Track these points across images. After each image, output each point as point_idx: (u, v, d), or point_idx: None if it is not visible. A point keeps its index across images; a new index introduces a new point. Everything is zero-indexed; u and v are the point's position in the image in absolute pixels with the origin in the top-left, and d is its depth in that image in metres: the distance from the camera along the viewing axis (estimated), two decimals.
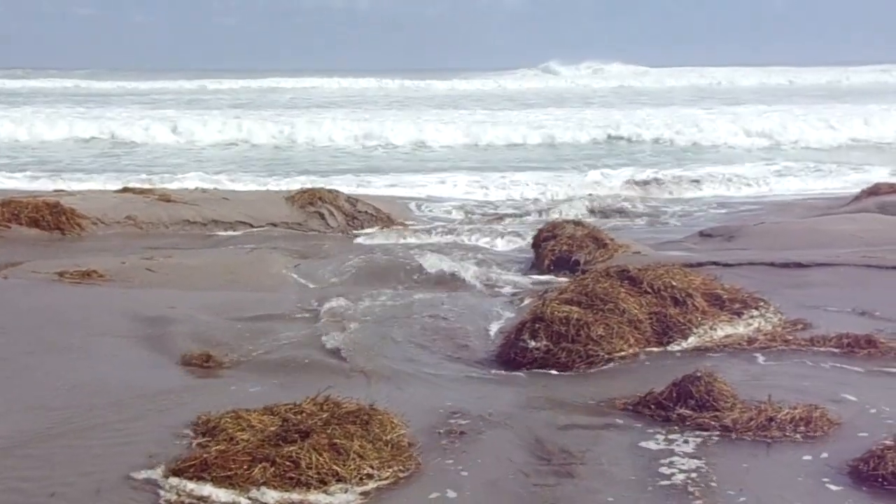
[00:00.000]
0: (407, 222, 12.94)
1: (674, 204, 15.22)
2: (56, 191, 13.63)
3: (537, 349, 6.25)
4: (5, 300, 7.82)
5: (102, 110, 34.35)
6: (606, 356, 6.21)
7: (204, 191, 13.88)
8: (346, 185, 15.68)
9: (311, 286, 9.01)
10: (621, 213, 14.19)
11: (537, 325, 6.36)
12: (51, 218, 11.36)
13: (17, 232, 11.19)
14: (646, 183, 16.86)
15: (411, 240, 11.67)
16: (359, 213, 12.82)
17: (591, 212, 14.07)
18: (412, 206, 14.69)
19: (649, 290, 6.77)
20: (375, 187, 16.68)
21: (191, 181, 16.38)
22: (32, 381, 5.73)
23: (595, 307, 6.51)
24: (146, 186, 14.18)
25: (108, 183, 16.09)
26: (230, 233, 12.01)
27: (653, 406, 5.31)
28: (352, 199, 13.17)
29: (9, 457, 4.53)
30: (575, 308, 6.44)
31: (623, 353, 6.29)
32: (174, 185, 15.41)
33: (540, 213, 13.98)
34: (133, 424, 4.99)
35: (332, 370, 6.15)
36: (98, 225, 11.64)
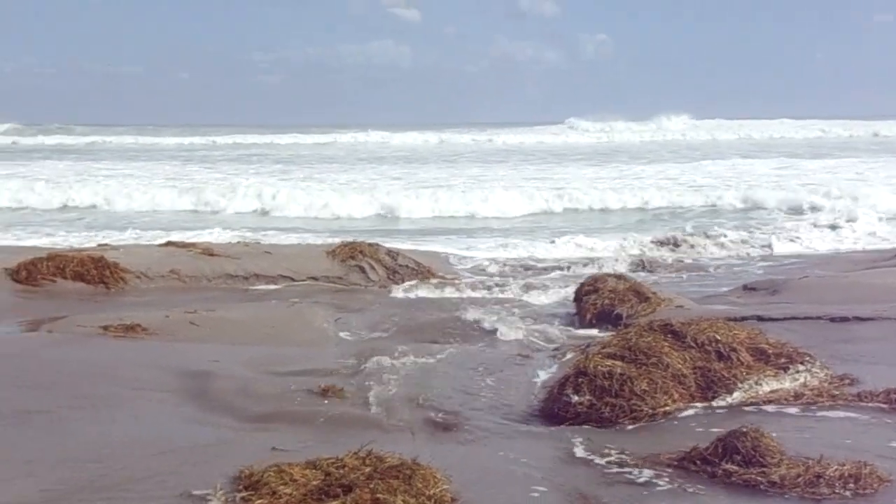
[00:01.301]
0: (447, 276, 12.95)
1: (716, 258, 15.14)
2: (100, 245, 13.80)
3: (580, 404, 6.20)
4: (50, 354, 7.89)
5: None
6: (650, 411, 6.15)
7: (246, 244, 14.01)
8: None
9: (352, 340, 9.03)
10: (663, 266, 14.12)
11: (580, 380, 6.32)
12: (95, 272, 11.49)
13: (62, 286, 11.33)
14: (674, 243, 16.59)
15: (452, 293, 11.68)
16: (399, 267, 12.86)
17: (633, 265, 14.01)
18: (452, 259, 14.72)
19: (693, 344, 6.71)
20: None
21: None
22: (76, 434, 5.75)
23: (638, 361, 6.46)
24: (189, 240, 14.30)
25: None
26: (271, 286, 12.08)
27: (698, 462, 5.23)
28: (392, 253, 13.22)
29: None
30: (618, 362, 6.39)
31: (667, 408, 6.22)
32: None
33: (581, 265, 13.95)
34: (176, 478, 4.98)
35: (373, 424, 6.14)
36: (141, 279, 11.76)
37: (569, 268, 13.95)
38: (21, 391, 6.62)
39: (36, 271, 11.43)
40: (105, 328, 8.71)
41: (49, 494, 4.70)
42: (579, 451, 5.65)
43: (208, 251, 12.84)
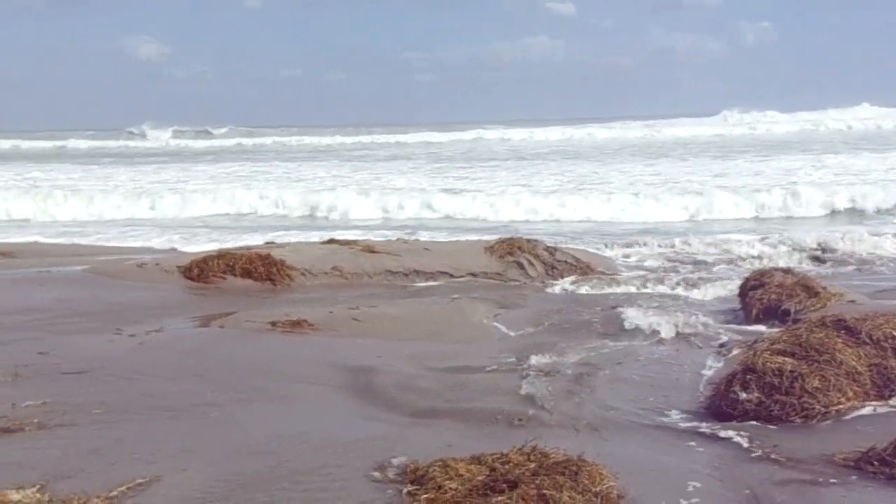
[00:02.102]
0: (606, 271, 12.81)
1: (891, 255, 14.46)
2: (267, 243, 14.20)
3: (749, 401, 6.04)
4: (221, 348, 8.18)
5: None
6: (823, 409, 5.93)
7: (405, 241, 14.18)
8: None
9: (512, 336, 9.02)
10: (833, 261, 13.59)
11: (748, 377, 6.15)
12: (262, 269, 11.83)
13: (232, 283, 11.71)
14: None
15: (612, 289, 11.55)
16: (558, 263, 12.78)
17: (801, 260, 13.56)
18: (611, 255, 14.54)
19: (868, 340, 6.45)
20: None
21: None
22: (249, 426, 5.94)
23: (810, 358, 6.24)
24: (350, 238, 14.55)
25: None
26: (431, 283, 12.18)
27: (876, 462, 5.03)
28: (550, 249, 13.16)
29: (229, 498, 4.71)
30: (788, 359, 6.19)
31: (840, 407, 5.99)
32: None
33: (745, 260, 13.59)
34: (343, 471, 5.09)
35: (536, 420, 6.13)
36: (306, 275, 12.04)
37: (732, 263, 13.61)
38: (196, 384, 6.89)
39: (207, 269, 11.85)
40: (273, 324, 8.97)
41: (225, 484, 4.87)
42: (748, 449, 5.51)
43: (369, 248, 13.05)
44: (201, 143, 66.88)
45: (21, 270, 12.63)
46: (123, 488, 4.77)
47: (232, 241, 16.21)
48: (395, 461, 5.19)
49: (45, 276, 12.08)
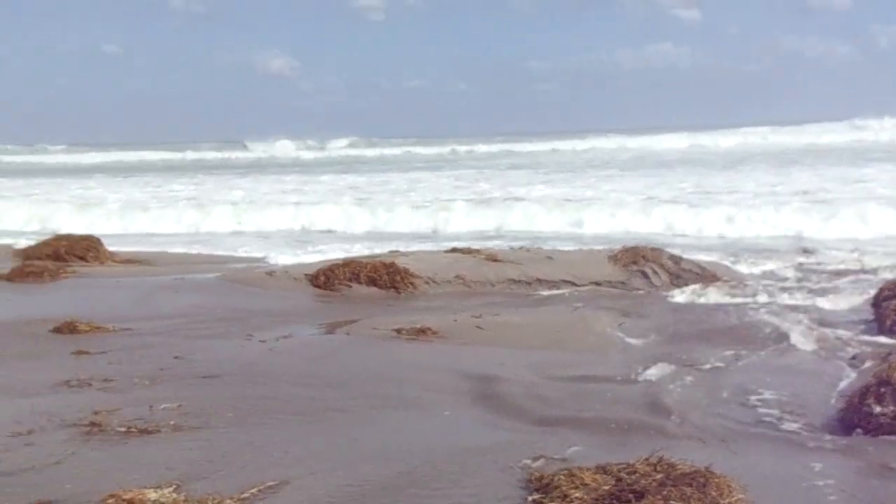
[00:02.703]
0: (732, 281, 12.57)
1: None
2: (391, 251, 14.38)
3: (883, 415, 5.86)
4: (348, 355, 8.32)
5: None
6: None
7: (528, 250, 14.18)
8: None
9: (636, 345, 8.94)
10: None
11: (883, 390, 5.97)
12: (387, 277, 11.99)
13: (357, 290, 11.91)
14: None
15: (738, 298, 11.32)
16: (683, 271, 12.61)
17: None
18: (737, 265, 14.26)
19: None
20: None
21: None
22: (377, 432, 6.03)
23: None
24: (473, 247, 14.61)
25: None
26: (554, 291, 12.16)
27: None
28: (675, 258, 12.99)
29: (357, 503, 4.80)
30: None
31: None
32: None
33: (877, 271, 13.16)
34: (471, 479, 5.12)
35: (661, 431, 6.06)
36: (430, 284, 12.15)
37: (864, 273, 13.20)
38: (324, 390, 7.03)
39: (333, 277, 12.08)
40: (398, 331, 9.09)
41: (353, 489, 4.95)
42: (882, 465, 5.35)
43: (492, 257, 13.10)
44: (325, 154, 68.10)
45: (158, 278, 13.11)
46: (255, 490, 4.90)
47: (339, 252, 16.39)
48: (518, 470, 5.20)
49: (180, 283, 12.50)
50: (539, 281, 12.41)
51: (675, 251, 13.55)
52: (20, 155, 72.46)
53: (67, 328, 9.06)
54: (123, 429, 5.91)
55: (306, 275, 12.41)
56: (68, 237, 15.57)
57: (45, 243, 15.33)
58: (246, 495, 4.82)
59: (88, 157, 67.95)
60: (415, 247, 16.43)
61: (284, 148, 72.94)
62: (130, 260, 15.44)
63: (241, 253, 17.34)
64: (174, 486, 4.88)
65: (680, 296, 11.67)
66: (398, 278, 12.00)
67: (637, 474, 4.72)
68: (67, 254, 14.78)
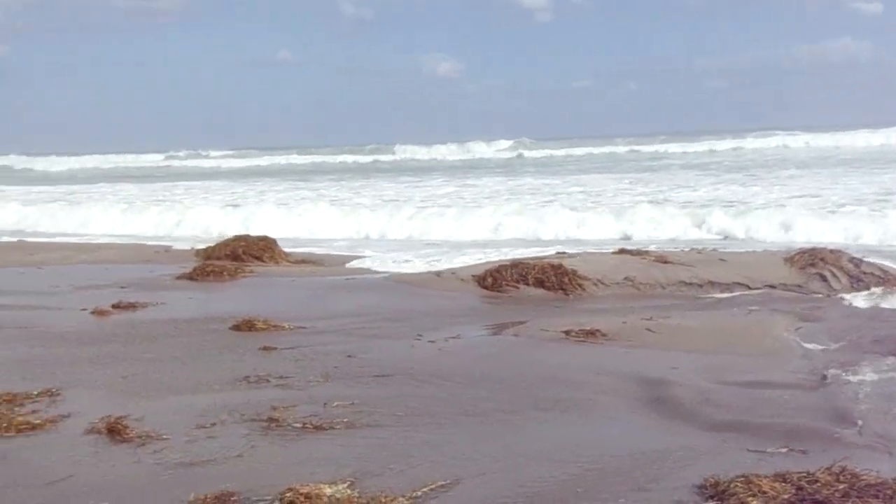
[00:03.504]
0: None
1: None
2: (558, 253, 14.31)
3: None
4: (516, 356, 8.32)
5: None
6: None
7: (699, 252, 13.87)
8: None
9: (815, 351, 8.61)
10: None
11: None
12: (555, 279, 11.94)
13: (525, 292, 11.90)
14: None
15: None
16: (864, 275, 12.08)
17: None
18: None
19: None
20: None
21: None
22: (547, 433, 6.02)
23: None
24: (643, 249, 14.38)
25: None
26: (726, 294, 11.84)
27: None
28: (856, 260, 12.45)
29: None
30: None
31: None
32: None
33: None
34: (639, 484, 5.04)
35: (843, 440, 5.81)
36: (598, 285, 12.03)
37: None
38: (493, 391, 7.04)
39: (501, 278, 12.11)
40: (566, 333, 9.03)
41: (524, 491, 4.95)
42: None
43: (662, 259, 12.88)
44: (488, 155, 68.28)
45: (329, 278, 13.44)
46: (426, 489, 4.95)
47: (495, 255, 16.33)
48: (693, 475, 5.08)
49: (351, 284, 12.79)
50: (711, 283, 12.11)
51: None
52: (191, 160, 75.17)
53: (246, 326, 9.39)
54: (299, 425, 6.08)
55: (473, 276, 12.48)
56: (246, 238, 16.12)
57: (223, 244, 15.93)
58: (418, 494, 4.88)
59: (257, 160, 69.73)
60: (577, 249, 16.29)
61: (451, 151, 73.44)
62: (304, 260, 15.87)
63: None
64: (348, 483, 4.98)
65: (861, 300, 11.19)
66: (566, 280, 11.93)
67: (818, 484, 4.55)
68: (245, 254, 15.33)
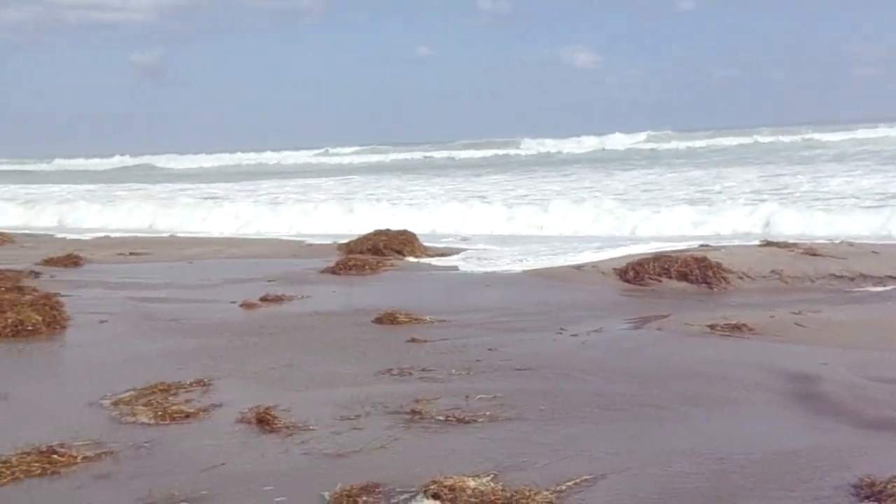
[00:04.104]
0: None
1: None
2: (702, 245, 14.04)
3: None
4: (660, 350, 8.20)
5: None
6: None
7: (850, 244, 13.41)
8: None
9: None
10: None
11: None
12: (698, 272, 11.71)
13: (667, 285, 11.72)
14: None
15: None
16: None
17: None
18: None
19: None
20: None
21: None
22: (689, 429, 5.92)
23: None
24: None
25: None
26: (879, 288, 11.41)
27: None
28: None
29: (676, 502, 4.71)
30: None
31: None
32: None
33: None
34: (789, 483, 4.88)
35: None
36: (743, 279, 11.75)
37: None
38: (636, 385, 6.95)
39: (643, 271, 11.96)
40: (711, 327, 8.84)
41: (669, 489, 4.86)
42: None
43: (811, 251, 12.51)
44: (626, 147, 67.14)
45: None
46: (570, 483, 4.91)
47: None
48: (849, 474, 4.91)
49: (490, 278, 12.82)
50: (863, 276, 11.69)
51: None
52: (334, 157, 76.08)
53: (388, 319, 9.52)
54: (442, 417, 6.12)
55: (615, 269, 12.37)
56: (386, 232, 16.32)
57: (365, 238, 16.18)
58: (562, 488, 4.85)
59: (396, 155, 70.01)
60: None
61: (581, 144, 72.53)
62: (442, 254, 15.98)
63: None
64: (492, 476, 4.98)
65: None
66: (710, 273, 11.70)
67: None
68: (386, 248, 15.53)
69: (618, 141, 72.33)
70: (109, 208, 27.29)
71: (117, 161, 76.62)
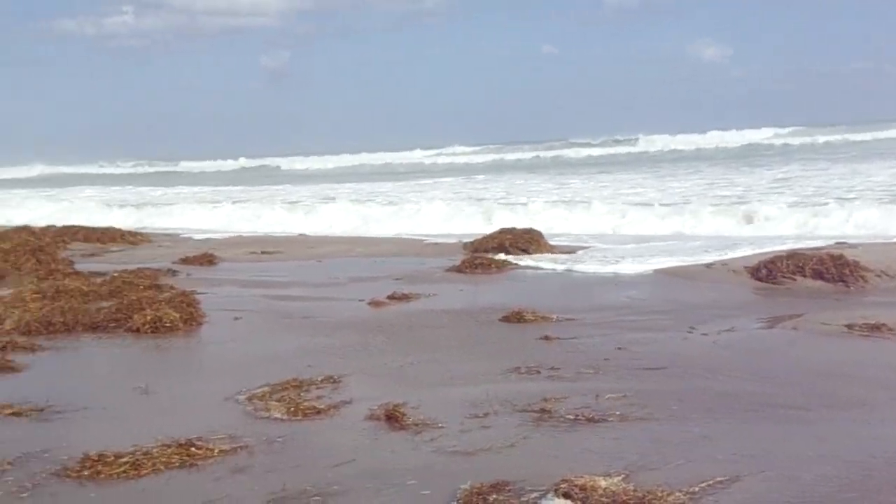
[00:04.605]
0: None
1: None
2: (837, 243, 13.63)
3: None
4: (794, 350, 8.01)
5: None
6: None
7: None
8: None
9: None
10: None
11: None
12: (834, 270, 11.35)
13: (802, 284, 11.38)
14: None
15: None
16: None
17: None
18: None
19: None
20: None
21: None
22: (827, 431, 5.74)
23: None
24: None
25: None
26: None
27: None
28: None
29: None
30: None
31: None
32: None
33: None
34: None
35: None
36: (882, 277, 11.34)
37: None
38: (772, 386, 6.79)
39: (776, 269, 11.64)
40: (849, 326, 8.57)
41: (812, 491, 4.74)
42: None
43: None
44: (756, 142, 65.38)
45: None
46: (704, 485, 4.82)
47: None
48: None
49: (616, 276, 12.70)
50: None
51: None
52: (457, 157, 76.15)
53: (515, 317, 9.50)
54: (572, 416, 6.08)
55: (746, 267, 12.09)
56: (512, 231, 16.29)
57: (490, 237, 16.19)
58: (695, 489, 4.76)
59: (508, 155, 69.56)
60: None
61: (707, 139, 70.92)
62: (567, 252, 15.85)
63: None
64: (623, 476, 4.93)
65: None
66: (847, 271, 11.31)
67: None
68: (511, 246, 15.50)
69: (744, 136, 70.67)
70: (238, 209, 27.98)
71: (243, 162, 78.38)
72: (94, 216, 26.84)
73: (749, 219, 19.47)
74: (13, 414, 6.54)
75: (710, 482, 4.85)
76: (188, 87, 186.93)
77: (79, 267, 14.50)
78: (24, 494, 5.05)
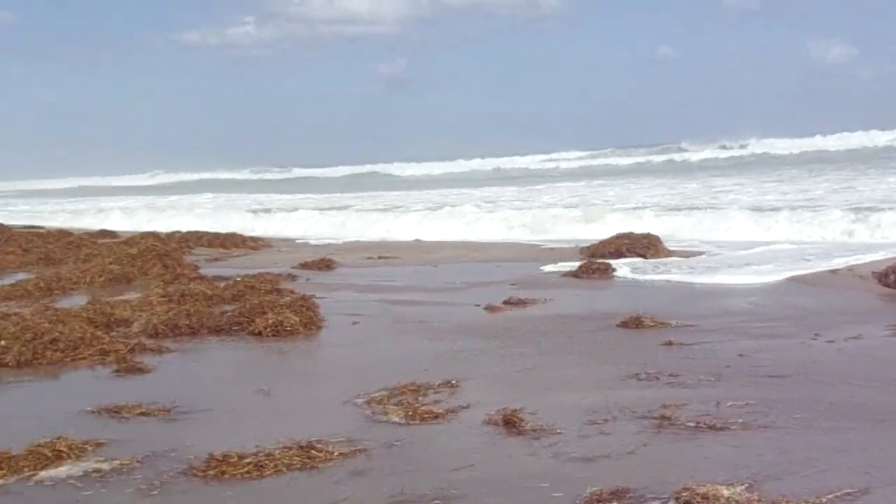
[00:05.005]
0: None
1: None
2: None
3: None
4: None
5: None
6: None
7: None
8: None
9: None
10: None
11: None
12: None
13: None
14: None
15: None
16: None
17: None
18: None
19: None
20: None
21: None
22: None
23: None
24: None
25: None
26: None
27: None
28: None
29: None
30: None
31: None
32: None
33: None
34: None
35: None
36: None
37: None
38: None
39: None
40: None
41: None
42: None
43: None
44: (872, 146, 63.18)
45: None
46: (831, 496, 4.69)
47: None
48: None
49: (735, 282, 12.45)
50: None
51: None
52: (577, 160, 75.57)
53: (633, 323, 9.39)
54: (692, 424, 5.97)
55: (873, 273, 11.72)
56: (629, 236, 16.15)
57: (607, 242, 16.08)
58: (822, 500, 4.64)
59: (620, 160, 68.51)
60: None
61: (828, 141, 68.75)
62: (685, 256, 15.61)
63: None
64: (746, 485, 4.83)
65: None
66: None
67: None
68: (628, 251, 15.38)
69: (869, 138, 68.42)
70: (353, 214, 28.30)
71: (356, 168, 79.26)
72: (217, 222, 27.50)
73: (877, 224, 18.81)
74: (142, 414, 6.75)
75: (839, 493, 4.72)
76: (304, 95, 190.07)
77: (203, 271, 14.94)
78: (154, 492, 5.20)
